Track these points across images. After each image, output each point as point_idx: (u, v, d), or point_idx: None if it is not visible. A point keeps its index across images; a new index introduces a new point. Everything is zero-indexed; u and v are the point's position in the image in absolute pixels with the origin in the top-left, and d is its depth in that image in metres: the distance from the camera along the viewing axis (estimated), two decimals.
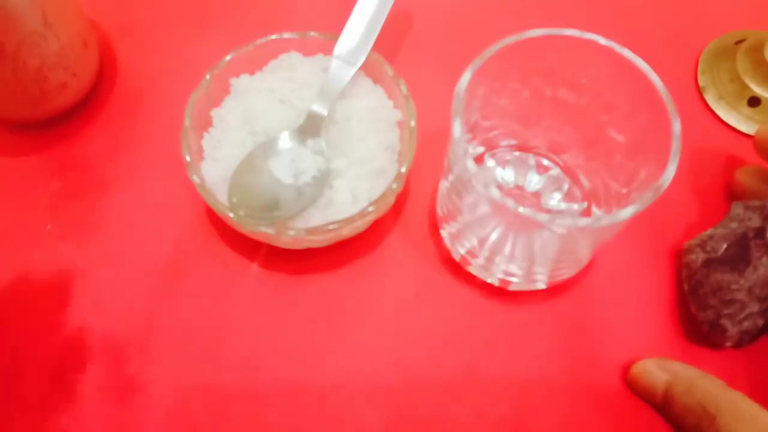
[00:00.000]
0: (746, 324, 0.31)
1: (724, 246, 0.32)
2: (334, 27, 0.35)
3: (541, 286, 0.33)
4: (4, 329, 0.33)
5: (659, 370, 0.30)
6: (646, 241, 0.35)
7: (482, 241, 0.31)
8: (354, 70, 0.34)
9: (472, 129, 0.33)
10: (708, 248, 0.32)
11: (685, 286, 0.33)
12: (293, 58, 0.36)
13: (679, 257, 0.34)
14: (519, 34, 0.29)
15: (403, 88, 0.34)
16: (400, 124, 0.35)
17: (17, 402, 0.32)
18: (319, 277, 0.35)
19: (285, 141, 0.34)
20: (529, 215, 0.25)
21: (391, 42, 0.42)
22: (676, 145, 0.26)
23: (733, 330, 0.31)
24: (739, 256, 0.31)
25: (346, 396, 0.32)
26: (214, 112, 0.35)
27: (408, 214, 0.36)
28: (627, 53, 0.28)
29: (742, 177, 0.35)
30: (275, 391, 0.32)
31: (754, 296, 0.30)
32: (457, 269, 0.35)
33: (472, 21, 0.43)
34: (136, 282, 0.34)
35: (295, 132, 0.34)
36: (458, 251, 0.34)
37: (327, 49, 0.36)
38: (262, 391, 0.32)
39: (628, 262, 0.35)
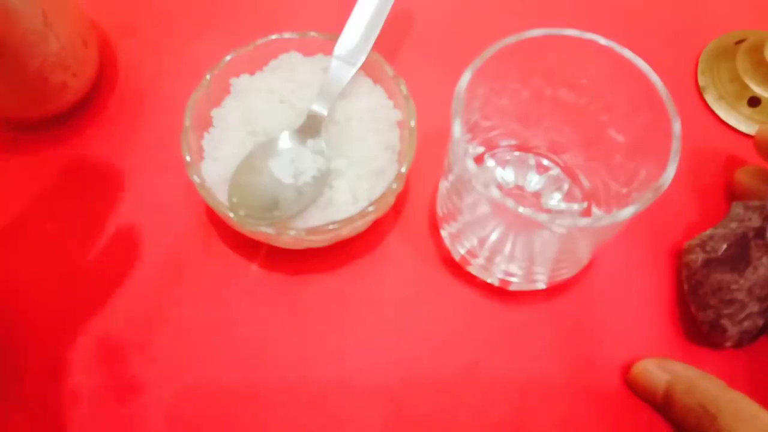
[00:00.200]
0: (746, 324, 0.31)
1: (724, 246, 0.32)
2: (334, 27, 0.35)
3: (541, 286, 0.33)
4: (4, 329, 0.33)
5: (659, 370, 0.30)
6: (646, 241, 0.35)
7: (482, 241, 0.31)
8: (354, 70, 0.34)
9: (472, 129, 0.33)
10: (708, 248, 0.32)
11: (685, 286, 0.33)
12: (293, 58, 0.36)
13: (679, 257, 0.34)
14: (519, 34, 0.29)
15: (403, 88, 0.34)
16: (400, 124, 0.35)
17: (17, 402, 0.32)
18: (319, 277, 0.35)
19: (285, 141, 0.34)
20: (529, 215, 0.25)
21: (391, 42, 0.42)
22: (676, 145, 0.26)
23: (733, 330, 0.31)
24: (739, 256, 0.31)
25: (346, 396, 0.32)
26: (215, 112, 0.35)
27: (408, 214, 0.36)
28: (627, 53, 0.28)
29: (742, 177, 0.35)
30: (275, 391, 0.32)
31: (754, 296, 0.30)
32: (457, 269, 0.35)
33: (472, 21, 0.43)
34: (136, 282, 0.34)
35: (295, 132, 0.34)
36: (458, 251, 0.34)
37: (327, 49, 0.36)
38: (262, 391, 0.32)
39: (628, 262, 0.35)
